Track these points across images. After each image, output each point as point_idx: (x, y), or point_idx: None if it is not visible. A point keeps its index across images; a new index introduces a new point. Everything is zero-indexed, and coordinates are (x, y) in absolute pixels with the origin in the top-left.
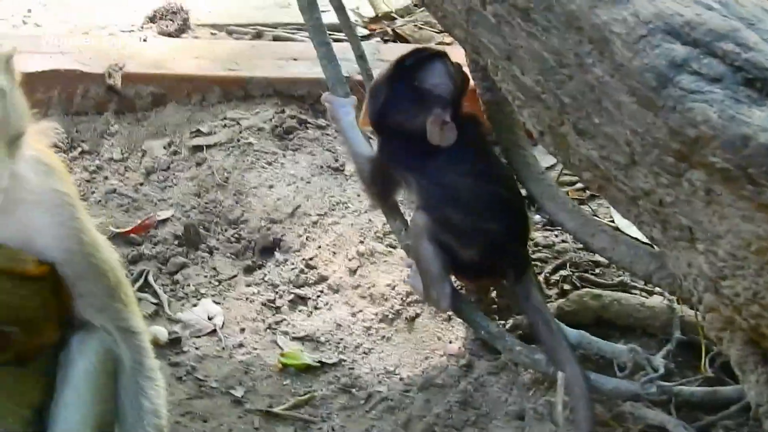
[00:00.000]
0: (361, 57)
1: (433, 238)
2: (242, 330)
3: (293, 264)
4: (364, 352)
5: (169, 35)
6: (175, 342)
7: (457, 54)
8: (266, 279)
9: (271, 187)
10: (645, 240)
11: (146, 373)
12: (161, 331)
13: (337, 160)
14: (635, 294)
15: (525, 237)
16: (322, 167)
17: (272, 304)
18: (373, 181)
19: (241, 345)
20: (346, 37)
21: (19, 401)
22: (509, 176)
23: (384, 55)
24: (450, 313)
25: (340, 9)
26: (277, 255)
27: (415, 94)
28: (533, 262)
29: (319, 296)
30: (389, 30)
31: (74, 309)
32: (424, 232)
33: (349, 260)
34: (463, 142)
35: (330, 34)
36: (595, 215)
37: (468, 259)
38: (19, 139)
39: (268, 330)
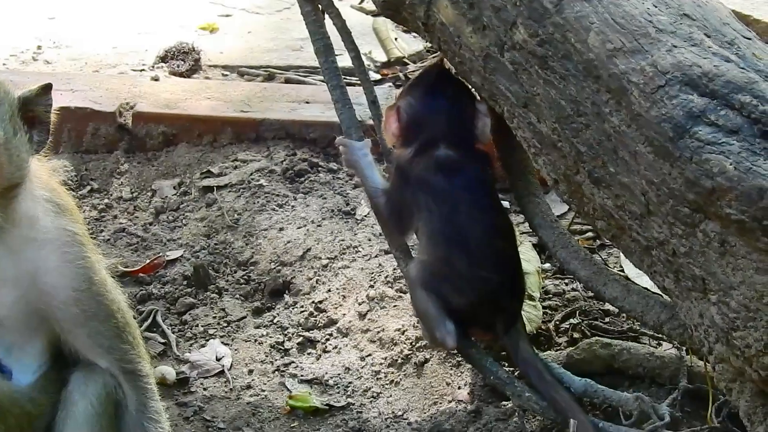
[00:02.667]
0: (373, 102)
1: (426, 287)
2: (250, 371)
3: (302, 307)
4: (373, 396)
5: (181, 75)
6: (182, 382)
7: None
8: (275, 321)
9: (281, 229)
10: (655, 290)
11: (151, 415)
12: (169, 372)
13: (348, 204)
14: (644, 343)
15: (520, 293)
16: (333, 211)
17: (281, 347)
18: (392, 215)
19: (249, 386)
20: (358, 82)
21: None
22: (512, 230)
23: None
24: (459, 358)
25: (356, 56)
26: (287, 297)
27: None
28: (544, 310)
29: (328, 339)
30: (402, 75)
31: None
32: (418, 281)
33: (359, 304)
34: (474, 185)
35: (344, 78)
36: (606, 264)
37: (460, 306)
38: (18, 186)
39: (276, 372)
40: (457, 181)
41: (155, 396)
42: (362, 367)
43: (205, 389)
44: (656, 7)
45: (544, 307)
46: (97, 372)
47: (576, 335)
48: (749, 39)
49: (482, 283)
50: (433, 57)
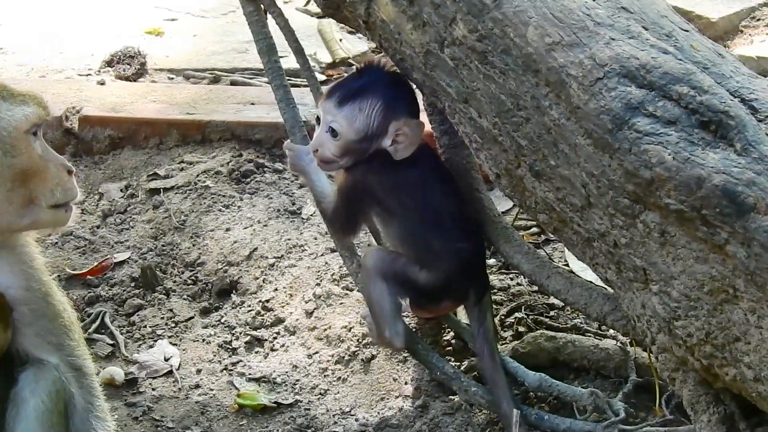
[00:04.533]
0: None
1: (385, 275)
2: (199, 371)
3: (250, 306)
4: (320, 393)
5: (127, 79)
6: (131, 383)
7: None
8: (223, 321)
9: (228, 230)
10: (599, 284)
11: (98, 413)
12: (117, 372)
13: (294, 204)
14: (589, 336)
15: (484, 256)
16: (279, 210)
17: (229, 346)
18: (341, 217)
19: (197, 386)
20: (303, 83)
21: None
22: (466, 198)
23: None
24: (406, 354)
25: (299, 52)
26: (234, 297)
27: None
28: None
29: (275, 338)
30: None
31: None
32: (375, 271)
33: (306, 302)
34: (427, 164)
35: (288, 79)
36: (550, 259)
37: (432, 282)
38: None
39: (224, 371)
40: (420, 168)
41: (101, 395)
42: (309, 365)
43: (153, 389)
44: (594, 0)
45: None
46: (46, 370)
47: (521, 329)
48: (687, 31)
49: (458, 254)
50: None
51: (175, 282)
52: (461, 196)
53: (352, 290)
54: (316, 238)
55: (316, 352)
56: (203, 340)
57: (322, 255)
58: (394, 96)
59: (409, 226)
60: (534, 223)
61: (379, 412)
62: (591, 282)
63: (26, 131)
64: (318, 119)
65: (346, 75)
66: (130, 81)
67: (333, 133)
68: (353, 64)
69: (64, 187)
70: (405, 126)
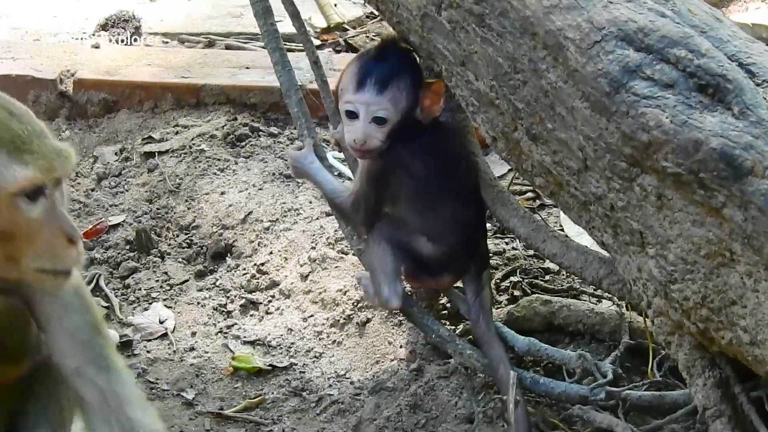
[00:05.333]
0: (315, 63)
1: (390, 238)
2: (193, 334)
3: (245, 269)
4: (315, 356)
5: (121, 43)
6: (126, 345)
7: None
8: (218, 284)
9: (222, 193)
10: (595, 249)
11: (139, 404)
12: (112, 335)
13: (288, 167)
14: (584, 300)
15: (486, 232)
16: (274, 174)
17: (223, 309)
18: (356, 210)
19: (192, 348)
20: (298, 47)
21: None
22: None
23: (336, 65)
24: (401, 317)
25: (295, 15)
26: (229, 260)
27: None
28: None
29: (270, 301)
30: (341, 41)
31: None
32: (380, 232)
33: (301, 266)
34: (436, 131)
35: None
36: (546, 223)
37: (437, 256)
38: None
39: (219, 334)
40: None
41: (136, 386)
42: (304, 328)
43: (148, 352)
44: None
45: None
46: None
47: (516, 293)
48: None
49: (464, 229)
50: (373, 21)
51: (170, 245)
52: (470, 167)
53: (347, 254)
54: (311, 202)
55: (311, 315)
56: (198, 303)
57: (317, 218)
58: (414, 67)
59: (419, 197)
60: (529, 188)
61: (374, 375)
62: (587, 247)
63: (13, 194)
64: (351, 113)
65: (361, 56)
66: (125, 45)
67: (380, 121)
68: (347, 29)
69: (54, 255)
70: (430, 91)
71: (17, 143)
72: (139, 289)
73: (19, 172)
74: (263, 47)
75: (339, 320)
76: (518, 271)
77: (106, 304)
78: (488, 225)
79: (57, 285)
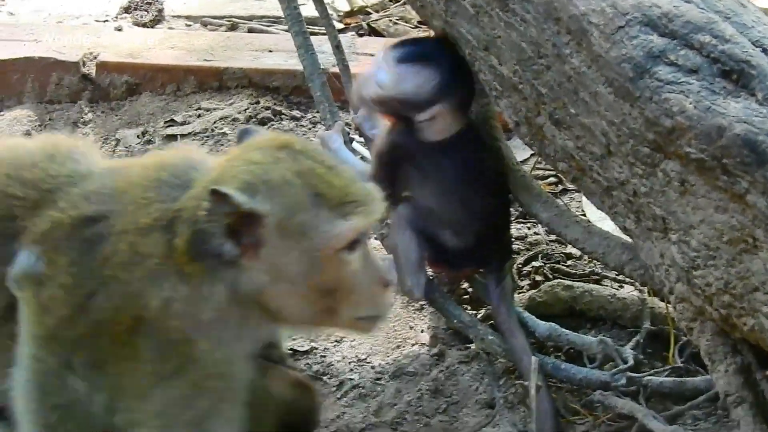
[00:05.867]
0: (337, 47)
1: (416, 227)
2: None
3: None
4: (336, 341)
5: (144, 26)
6: None
7: None
8: None
9: None
10: (617, 234)
11: None
12: None
13: None
14: (606, 286)
15: (510, 225)
16: None
17: None
18: (377, 175)
19: None
20: (321, 31)
21: None
22: (500, 156)
23: (359, 49)
24: (423, 302)
25: (318, 0)
26: None
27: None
28: None
29: None
30: (364, 24)
31: None
32: (407, 221)
33: None
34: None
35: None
36: (568, 208)
37: (461, 249)
38: None
39: None
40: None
41: None
42: None
43: None
44: None
45: None
46: None
47: (538, 278)
48: None
49: (488, 225)
50: (396, 5)
51: None
52: (496, 164)
53: (370, 238)
54: None
55: None
56: None
57: None
58: (452, 78)
59: (444, 191)
60: (552, 172)
61: (395, 360)
62: (609, 233)
63: (339, 249)
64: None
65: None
66: (147, 27)
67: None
68: (370, 13)
69: (373, 303)
70: (447, 113)
71: (339, 197)
72: None
73: (343, 227)
74: (286, 30)
75: None
76: (540, 256)
77: None
78: (511, 210)
79: (371, 330)
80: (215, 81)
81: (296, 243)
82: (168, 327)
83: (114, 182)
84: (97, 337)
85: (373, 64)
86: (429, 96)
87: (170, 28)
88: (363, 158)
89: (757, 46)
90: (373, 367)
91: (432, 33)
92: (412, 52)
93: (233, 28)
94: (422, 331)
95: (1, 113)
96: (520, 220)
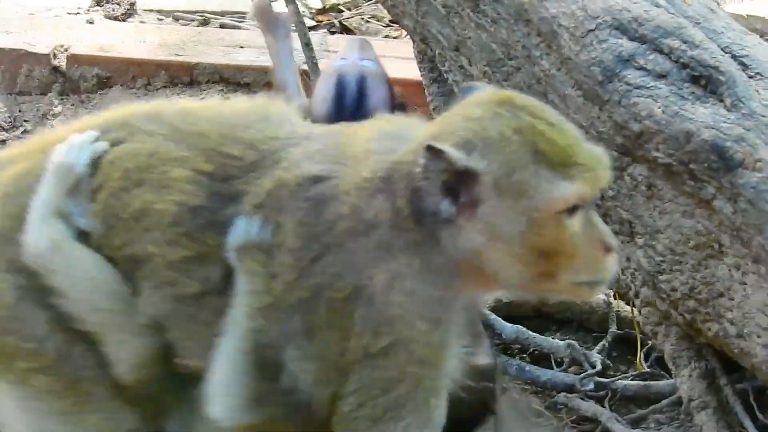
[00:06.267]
0: (307, 45)
1: None
2: None
3: None
4: None
5: (116, 19)
6: None
7: (404, 49)
8: None
9: None
10: None
11: None
12: None
13: None
14: None
15: None
16: None
17: None
18: None
19: None
20: (291, 27)
21: None
22: None
23: (331, 47)
24: None
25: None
26: None
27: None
28: None
29: None
30: (336, 22)
31: None
32: None
33: None
34: None
35: None
36: None
37: None
38: None
39: None
40: None
41: None
42: None
43: None
44: None
45: None
46: None
47: None
48: None
49: None
50: (368, 3)
51: None
52: None
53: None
54: None
55: None
56: None
57: None
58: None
59: None
60: None
61: None
62: None
63: (558, 212)
64: None
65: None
66: (119, 21)
67: None
68: (342, 10)
69: (594, 268)
70: None
71: (562, 156)
72: None
73: (566, 190)
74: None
75: None
76: None
77: None
78: None
79: (591, 295)
80: (186, 76)
81: (514, 202)
82: (390, 301)
83: (337, 142)
84: (314, 302)
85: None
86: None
87: (142, 22)
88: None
89: (726, 52)
90: None
91: (403, 32)
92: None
93: (205, 23)
94: None
95: None
96: None
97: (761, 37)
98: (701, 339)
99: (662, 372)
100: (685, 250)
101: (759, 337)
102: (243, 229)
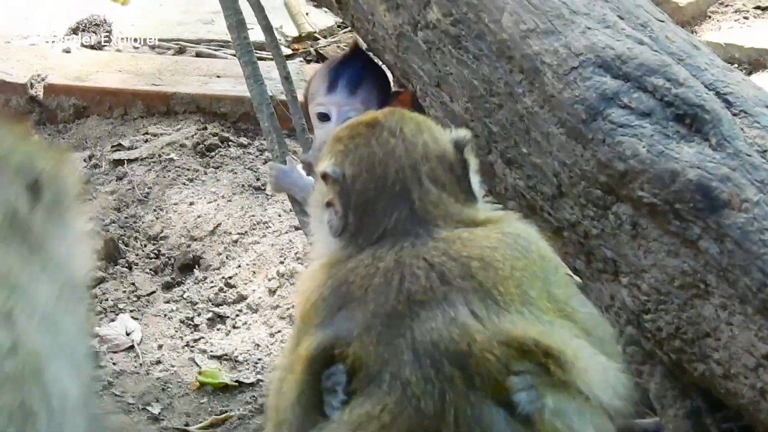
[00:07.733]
0: (286, 78)
1: None
2: (160, 347)
3: (212, 282)
4: None
5: (92, 48)
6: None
7: None
8: (185, 296)
9: (191, 204)
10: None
11: None
12: None
13: (258, 179)
14: None
15: None
16: (243, 186)
17: (191, 322)
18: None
19: (158, 362)
20: (268, 56)
21: None
22: None
23: (307, 76)
24: None
25: (267, 29)
26: (197, 272)
27: None
28: None
29: (237, 315)
30: (312, 50)
31: None
32: None
33: (269, 280)
34: None
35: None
36: None
37: None
38: None
39: (186, 347)
40: None
41: None
42: (272, 344)
43: (114, 364)
44: None
45: None
46: None
47: None
48: (662, 21)
49: None
50: (344, 31)
51: (137, 255)
52: None
53: None
54: (280, 215)
55: (279, 331)
56: (165, 315)
57: (286, 233)
58: (382, 74)
59: None
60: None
61: None
62: None
63: None
64: (323, 115)
65: (330, 62)
66: (96, 49)
67: None
68: (318, 38)
69: None
70: (397, 101)
71: None
72: (106, 300)
73: None
74: (234, 55)
75: None
76: None
77: None
78: None
79: None
80: (163, 105)
81: None
82: None
83: None
84: None
85: (333, 115)
86: (382, 96)
87: (118, 51)
88: None
89: (710, 90)
90: None
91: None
92: (352, 79)
93: (181, 51)
94: None
95: None
96: None
97: (739, 65)
98: (687, 378)
99: (646, 410)
100: (671, 290)
101: (746, 378)
102: None
